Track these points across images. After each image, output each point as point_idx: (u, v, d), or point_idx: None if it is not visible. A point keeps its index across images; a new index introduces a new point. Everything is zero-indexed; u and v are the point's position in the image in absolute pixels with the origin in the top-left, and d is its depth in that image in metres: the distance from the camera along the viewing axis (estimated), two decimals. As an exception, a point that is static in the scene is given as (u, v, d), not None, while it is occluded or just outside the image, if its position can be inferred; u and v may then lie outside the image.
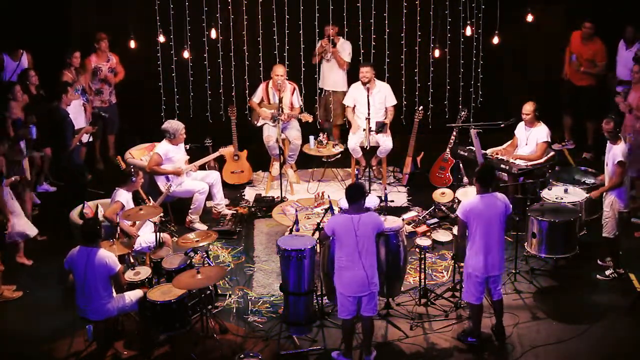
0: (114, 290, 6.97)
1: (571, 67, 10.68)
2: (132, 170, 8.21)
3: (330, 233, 6.68)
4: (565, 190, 8.26)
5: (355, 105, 10.12)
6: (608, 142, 7.92)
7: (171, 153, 9.15)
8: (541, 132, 9.00)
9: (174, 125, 9.17)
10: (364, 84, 9.81)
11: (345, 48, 10.70)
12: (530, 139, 9.05)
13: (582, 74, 10.58)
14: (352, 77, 10.72)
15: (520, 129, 9.16)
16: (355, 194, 6.70)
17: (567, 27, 10.79)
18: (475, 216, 6.82)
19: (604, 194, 7.95)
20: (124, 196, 8.05)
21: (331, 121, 10.75)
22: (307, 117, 10.03)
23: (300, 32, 11.09)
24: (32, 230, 8.47)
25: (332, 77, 10.61)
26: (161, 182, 9.05)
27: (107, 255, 6.87)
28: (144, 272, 7.39)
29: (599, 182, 8.36)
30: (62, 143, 9.41)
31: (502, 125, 9.17)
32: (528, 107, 8.96)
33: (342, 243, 6.61)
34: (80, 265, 6.83)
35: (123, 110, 11.08)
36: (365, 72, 9.81)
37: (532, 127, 9.03)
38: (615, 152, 7.80)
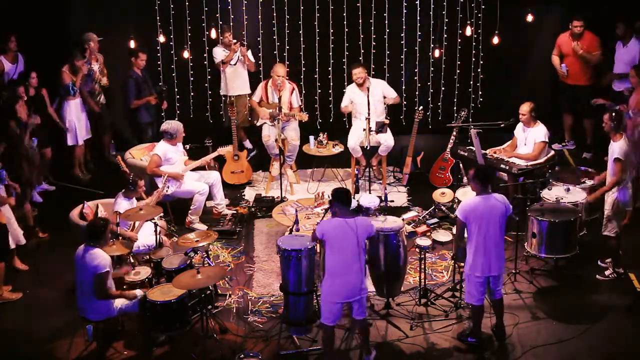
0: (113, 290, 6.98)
1: (566, 76, 10.69)
2: (132, 179, 8.18)
3: (320, 236, 6.57)
4: (567, 190, 8.25)
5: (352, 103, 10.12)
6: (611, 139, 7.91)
7: (170, 153, 9.14)
8: (539, 132, 9.00)
9: (173, 125, 9.17)
10: (359, 85, 9.82)
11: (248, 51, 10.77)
12: (528, 139, 9.05)
13: (577, 74, 10.58)
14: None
15: (519, 130, 9.16)
16: (347, 197, 6.64)
17: (566, 28, 10.79)
18: (475, 217, 6.81)
19: (606, 193, 7.95)
20: (122, 205, 8.02)
21: (238, 124, 10.43)
22: (302, 117, 10.03)
23: (300, 32, 11.12)
24: (21, 239, 8.37)
25: (237, 81, 10.66)
26: (161, 183, 9.03)
27: (99, 255, 6.83)
28: (144, 272, 7.40)
29: (597, 183, 8.35)
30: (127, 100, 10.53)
31: (502, 125, 9.17)
32: (525, 108, 8.96)
33: (335, 248, 6.51)
34: (78, 264, 6.86)
35: (123, 111, 11.07)
36: (358, 73, 9.82)
37: (529, 128, 9.03)
38: (614, 149, 7.79)
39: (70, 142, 10.39)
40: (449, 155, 9.96)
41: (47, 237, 9.06)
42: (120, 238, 7.68)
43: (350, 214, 6.62)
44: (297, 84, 10.66)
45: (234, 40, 10.48)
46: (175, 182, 9.03)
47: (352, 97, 10.03)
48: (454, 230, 7.74)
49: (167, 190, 8.60)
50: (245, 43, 10.59)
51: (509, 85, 11.61)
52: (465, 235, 6.93)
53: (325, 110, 11.55)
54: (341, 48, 11.24)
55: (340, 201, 6.61)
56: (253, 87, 10.84)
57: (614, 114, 7.84)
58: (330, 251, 6.54)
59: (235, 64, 10.64)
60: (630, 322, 7.45)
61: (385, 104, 10.10)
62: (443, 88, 11.54)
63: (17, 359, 7.25)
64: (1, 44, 10.04)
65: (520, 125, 9.14)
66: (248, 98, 10.78)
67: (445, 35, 11.20)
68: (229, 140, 10.06)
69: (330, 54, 11.29)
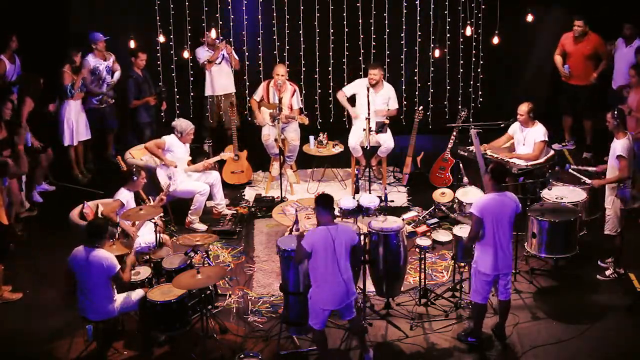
0: (115, 291, 6.97)
1: (569, 76, 10.66)
2: (134, 169, 8.21)
3: (310, 249, 6.48)
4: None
5: (352, 96, 10.11)
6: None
7: (175, 147, 9.15)
8: (538, 132, 9.00)
9: (183, 124, 9.19)
10: (371, 85, 9.80)
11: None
12: (527, 139, 9.05)
13: (580, 74, 10.55)
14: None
15: (517, 130, 9.14)
16: (330, 202, 6.58)
17: (566, 29, 10.78)
18: (488, 214, 6.78)
19: (606, 191, 7.94)
20: (124, 195, 8.05)
21: (231, 125, 10.23)
22: (303, 119, 10.03)
23: (300, 32, 11.11)
24: None
25: (223, 81, 10.68)
26: (162, 179, 9.03)
27: (106, 256, 6.84)
28: (144, 272, 7.40)
29: (600, 170, 8.35)
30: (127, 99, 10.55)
31: (502, 125, 9.17)
32: (523, 108, 8.95)
33: (320, 257, 6.46)
34: (81, 265, 6.84)
35: (123, 111, 11.07)
36: (374, 74, 9.80)
37: (528, 128, 9.03)
38: (615, 147, 7.79)
39: (66, 142, 10.37)
40: (449, 155, 9.96)
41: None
42: (118, 234, 7.68)
43: (332, 220, 6.56)
44: (297, 84, 10.66)
45: (219, 38, 10.47)
46: (175, 177, 9.01)
47: (358, 92, 10.01)
48: (455, 230, 7.72)
49: (169, 191, 8.63)
50: (230, 40, 10.61)
51: (509, 85, 11.61)
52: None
53: (325, 110, 11.54)
54: (341, 48, 11.23)
55: (322, 206, 6.54)
56: (237, 86, 10.87)
57: (616, 111, 7.85)
58: (317, 260, 6.49)
59: (220, 63, 10.66)
60: (630, 322, 7.45)
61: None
62: (448, 87, 11.54)
63: (17, 359, 7.26)
64: (2, 44, 10.03)
65: (517, 125, 9.12)
66: (247, 98, 10.79)
67: (449, 35, 11.19)
68: (228, 140, 10.05)
69: (330, 54, 11.28)
